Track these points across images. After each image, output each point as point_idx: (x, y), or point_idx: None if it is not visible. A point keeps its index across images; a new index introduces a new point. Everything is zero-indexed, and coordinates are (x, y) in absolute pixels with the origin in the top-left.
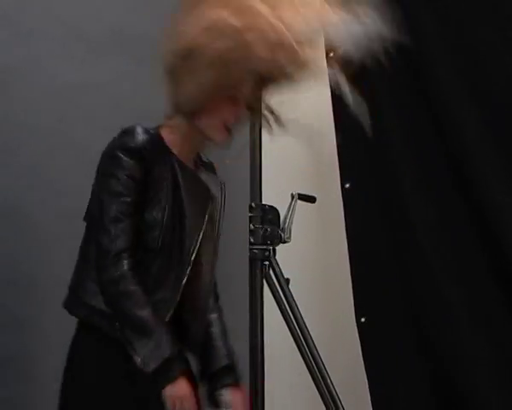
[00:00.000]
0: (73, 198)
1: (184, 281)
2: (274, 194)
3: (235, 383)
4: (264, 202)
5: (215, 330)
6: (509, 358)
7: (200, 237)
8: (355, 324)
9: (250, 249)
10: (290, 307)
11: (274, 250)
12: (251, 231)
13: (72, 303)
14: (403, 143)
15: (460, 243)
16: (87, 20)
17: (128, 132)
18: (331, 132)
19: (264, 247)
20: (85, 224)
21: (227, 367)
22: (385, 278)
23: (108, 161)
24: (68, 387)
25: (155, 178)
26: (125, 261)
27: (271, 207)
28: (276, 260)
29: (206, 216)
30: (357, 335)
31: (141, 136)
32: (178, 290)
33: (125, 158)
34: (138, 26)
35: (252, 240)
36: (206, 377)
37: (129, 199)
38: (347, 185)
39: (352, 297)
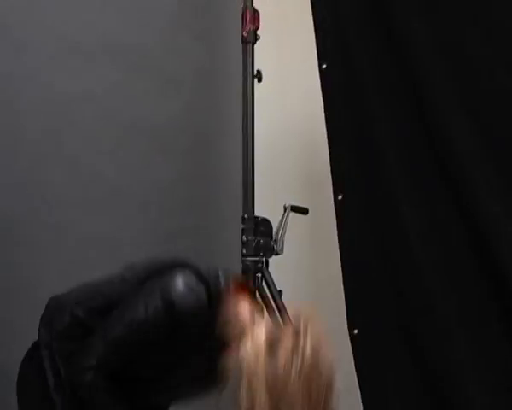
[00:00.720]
0: (65, 209)
1: None
2: (266, 206)
3: None
4: (256, 214)
5: None
6: (503, 367)
7: None
8: (348, 335)
9: (243, 261)
10: (283, 319)
11: (267, 262)
12: (243, 242)
13: None
14: (396, 155)
15: (453, 254)
16: (80, 31)
17: None
18: (324, 144)
19: (257, 258)
20: None
21: None
22: (377, 289)
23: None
24: None
25: None
26: None
27: (264, 218)
28: (268, 271)
29: None
30: (349, 347)
31: None
32: None
33: None
34: (131, 37)
35: (244, 251)
36: None
37: None
38: (340, 197)
39: (344, 309)
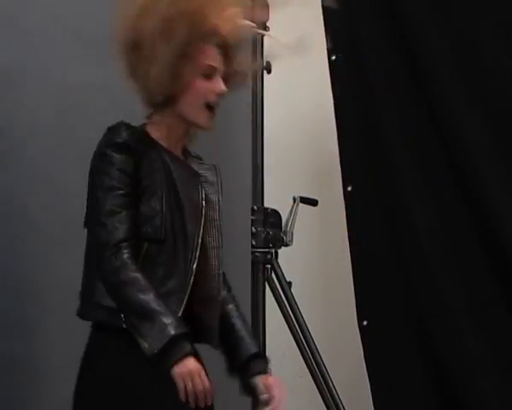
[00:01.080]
0: (74, 200)
1: (195, 266)
2: (276, 197)
3: (267, 370)
4: (266, 205)
5: (236, 320)
6: (510, 360)
7: (203, 221)
8: (357, 327)
9: (252, 252)
10: (292, 310)
11: (276, 253)
12: (253, 234)
13: (85, 308)
14: (404, 147)
15: (461, 246)
16: (87, 21)
17: (113, 129)
18: (333, 136)
19: (267, 250)
20: (86, 229)
21: (256, 355)
22: (387, 281)
23: (98, 159)
24: (88, 386)
25: (146, 170)
26: (125, 251)
27: (273, 210)
28: (278, 263)
29: (203, 201)
30: (358, 338)
31: (126, 131)
32: (190, 277)
33: (114, 154)
34: None
35: (254, 243)
36: (237, 369)
37: (123, 191)
38: (349, 188)
39: (353, 300)
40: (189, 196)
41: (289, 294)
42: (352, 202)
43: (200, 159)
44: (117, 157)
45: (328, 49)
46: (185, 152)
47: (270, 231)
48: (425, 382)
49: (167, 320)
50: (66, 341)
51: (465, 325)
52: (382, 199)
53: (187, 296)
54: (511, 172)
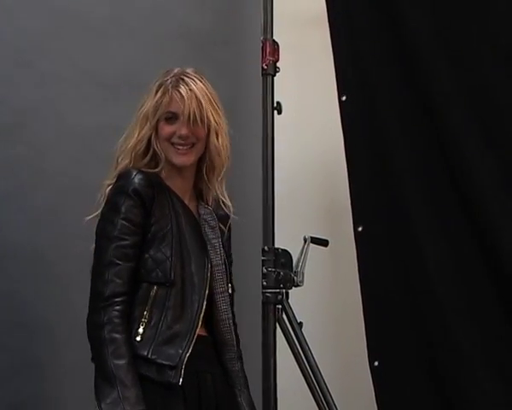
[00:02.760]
0: (87, 241)
1: (202, 313)
2: (286, 237)
3: None
4: (276, 246)
5: (242, 400)
6: None
7: (209, 267)
8: (368, 368)
9: (263, 293)
10: (303, 350)
11: (287, 294)
12: (264, 274)
13: None
14: (415, 188)
15: (472, 282)
16: (101, 64)
17: (123, 176)
18: (344, 176)
19: (277, 290)
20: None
21: None
22: (398, 321)
23: (106, 206)
24: None
25: (157, 215)
26: (116, 307)
27: (284, 250)
28: (288, 303)
29: (209, 246)
30: (370, 379)
31: (137, 177)
32: (196, 324)
33: (121, 202)
34: (152, 71)
35: (264, 283)
36: None
37: (126, 242)
38: (360, 228)
39: (365, 341)
40: (196, 243)
41: (300, 334)
42: (362, 243)
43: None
44: (124, 206)
45: (338, 90)
46: (197, 197)
47: (281, 271)
48: None
49: (126, 394)
50: (78, 384)
51: (479, 367)
52: (393, 239)
53: (193, 340)
54: None
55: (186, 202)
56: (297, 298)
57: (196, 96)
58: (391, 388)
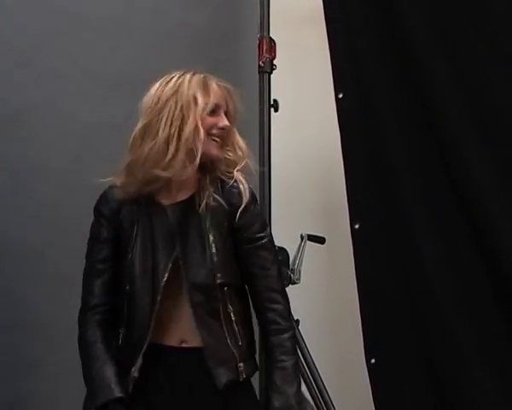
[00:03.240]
0: (84, 239)
1: (155, 313)
2: (283, 235)
3: None
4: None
5: (274, 377)
6: None
7: (170, 265)
8: (365, 365)
9: None
10: (300, 348)
11: None
12: None
13: None
14: (412, 183)
15: (471, 283)
16: (101, 61)
17: (100, 196)
18: (340, 173)
19: None
20: None
21: None
22: (395, 318)
23: None
24: None
25: (125, 227)
26: (90, 320)
27: (281, 247)
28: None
29: (178, 246)
30: (367, 376)
31: (103, 196)
32: (150, 324)
33: (93, 222)
34: (151, 69)
35: None
36: None
37: (93, 261)
38: (356, 226)
39: (361, 338)
40: (164, 246)
41: (297, 332)
42: (359, 240)
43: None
44: (93, 226)
45: (335, 88)
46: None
47: None
48: None
49: (96, 393)
50: (72, 381)
51: (476, 365)
52: (390, 238)
53: (146, 345)
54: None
55: (175, 197)
56: (294, 296)
57: (232, 92)
58: (388, 386)
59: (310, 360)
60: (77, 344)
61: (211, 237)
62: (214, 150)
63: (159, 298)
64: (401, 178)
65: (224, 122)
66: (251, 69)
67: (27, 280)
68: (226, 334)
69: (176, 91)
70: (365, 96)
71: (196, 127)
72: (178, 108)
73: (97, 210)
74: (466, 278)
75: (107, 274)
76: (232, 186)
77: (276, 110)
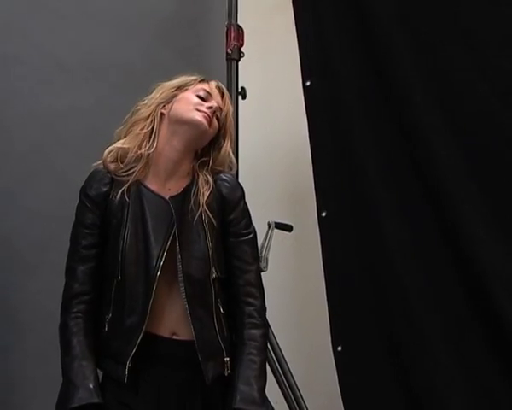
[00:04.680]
0: (49, 225)
1: (151, 302)
2: None
3: None
4: None
5: (242, 368)
6: (484, 387)
7: (165, 253)
8: (332, 352)
9: None
10: None
11: None
12: None
13: None
14: (378, 172)
15: (436, 269)
16: (65, 47)
17: (87, 178)
18: (308, 161)
19: None
20: None
21: None
22: (361, 307)
23: None
24: None
25: (113, 212)
26: (73, 309)
27: None
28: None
29: (171, 234)
30: (333, 363)
31: (90, 178)
32: (146, 314)
33: (79, 206)
34: (116, 54)
35: None
36: None
37: (81, 245)
38: (323, 214)
39: (328, 326)
40: (157, 233)
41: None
42: (326, 228)
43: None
44: (78, 210)
45: (302, 75)
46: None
47: None
48: (402, 407)
49: (71, 392)
50: (41, 368)
51: (440, 351)
52: (357, 225)
53: (142, 334)
54: (485, 195)
55: (163, 185)
56: None
57: (228, 100)
58: (354, 373)
59: (277, 347)
60: (44, 331)
61: (207, 232)
62: (198, 117)
63: (154, 288)
64: (367, 166)
65: (213, 103)
66: (218, 56)
67: None
68: (216, 327)
69: (171, 82)
70: (332, 84)
71: (184, 98)
72: (171, 90)
73: (84, 193)
74: (431, 263)
75: (92, 261)
76: (224, 180)
77: (243, 98)
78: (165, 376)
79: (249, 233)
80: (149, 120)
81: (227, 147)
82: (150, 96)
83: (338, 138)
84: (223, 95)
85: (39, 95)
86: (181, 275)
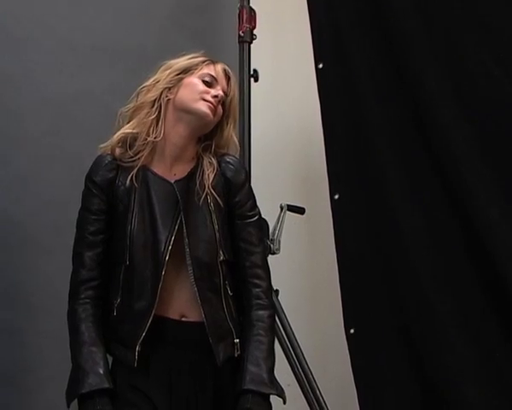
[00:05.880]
0: (63, 210)
1: (160, 286)
2: (263, 205)
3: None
4: None
5: (251, 349)
6: (497, 365)
7: (173, 238)
8: (344, 335)
9: None
10: (279, 317)
11: None
12: None
13: None
14: (391, 154)
15: (448, 252)
16: (79, 31)
17: (93, 163)
18: (320, 144)
19: None
20: None
21: (249, 391)
22: (374, 289)
23: None
24: None
25: (120, 197)
26: (81, 295)
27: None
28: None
29: (179, 217)
30: (346, 346)
31: (95, 164)
32: (155, 298)
33: (85, 191)
34: (129, 38)
35: None
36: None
37: (87, 231)
38: (336, 196)
39: (341, 308)
40: (164, 217)
41: (276, 302)
42: (338, 211)
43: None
44: (85, 196)
45: (315, 58)
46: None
47: None
48: (413, 390)
49: (83, 376)
50: (52, 350)
51: (454, 332)
52: (369, 207)
53: (151, 318)
54: (498, 182)
55: (166, 169)
56: (273, 266)
57: (235, 88)
58: (366, 355)
59: (289, 330)
60: (58, 314)
61: (213, 214)
62: (204, 108)
63: (163, 273)
64: (380, 149)
65: (218, 91)
66: (231, 39)
67: (4, 251)
68: (225, 309)
69: (177, 63)
70: (345, 66)
71: (190, 84)
72: (176, 73)
73: (90, 179)
74: (443, 246)
75: (99, 247)
76: (228, 162)
77: (256, 80)
78: (176, 358)
79: (254, 215)
80: (156, 105)
81: (230, 130)
82: (155, 77)
83: (350, 121)
84: (229, 79)
85: (53, 79)
86: (189, 259)
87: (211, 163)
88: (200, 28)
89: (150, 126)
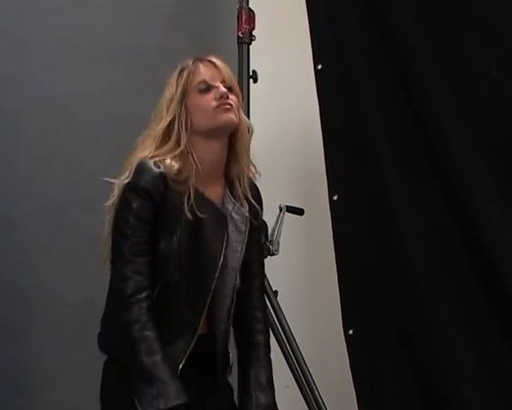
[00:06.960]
0: (63, 210)
1: (205, 312)
2: None
3: None
4: None
5: (255, 374)
6: (497, 365)
7: (220, 265)
8: (343, 336)
9: None
10: (278, 319)
11: None
12: None
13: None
14: (390, 155)
15: (447, 252)
16: (79, 31)
17: (138, 170)
18: (319, 145)
19: None
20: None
21: None
22: (373, 290)
23: (120, 201)
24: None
25: (167, 211)
26: (142, 304)
27: None
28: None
29: (225, 242)
30: (345, 347)
31: (147, 174)
32: (197, 324)
33: (133, 199)
34: (129, 38)
35: None
36: None
37: (138, 239)
38: (335, 197)
39: (340, 309)
40: (212, 242)
41: (275, 303)
42: (337, 212)
43: (242, 202)
44: (135, 203)
45: (314, 59)
46: (226, 192)
47: None
48: (413, 391)
49: (166, 390)
50: (50, 350)
51: (452, 333)
52: (368, 208)
53: (194, 340)
54: (497, 178)
55: (207, 191)
56: (272, 267)
57: (226, 66)
58: (365, 356)
59: (288, 331)
60: (58, 314)
61: (245, 240)
62: (225, 117)
63: (208, 300)
64: (379, 150)
65: (221, 89)
66: (230, 40)
67: (4, 251)
68: (228, 327)
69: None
70: (344, 67)
71: (196, 107)
72: (176, 102)
73: (141, 187)
74: (442, 247)
75: (149, 255)
76: (253, 184)
77: (255, 81)
78: (189, 369)
79: (261, 238)
80: (180, 145)
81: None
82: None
83: (349, 122)
84: (215, 66)
85: (53, 79)
86: (213, 286)
87: (246, 183)
88: (199, 29)
89: (185, 161)
